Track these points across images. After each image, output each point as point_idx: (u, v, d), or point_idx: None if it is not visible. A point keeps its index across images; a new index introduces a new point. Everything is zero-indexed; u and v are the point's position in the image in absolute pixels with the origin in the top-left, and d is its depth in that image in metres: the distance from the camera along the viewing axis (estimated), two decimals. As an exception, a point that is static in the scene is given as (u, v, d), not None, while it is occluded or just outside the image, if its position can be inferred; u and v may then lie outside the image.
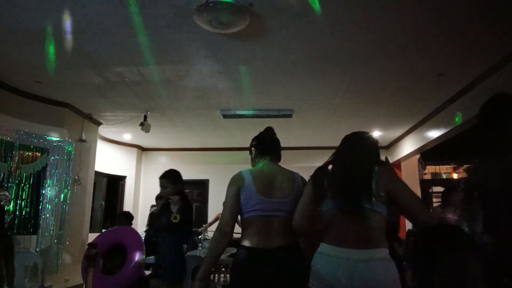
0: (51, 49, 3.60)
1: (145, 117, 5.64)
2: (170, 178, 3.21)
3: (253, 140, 2.29)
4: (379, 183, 1.64)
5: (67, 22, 3.11)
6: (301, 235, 1.83)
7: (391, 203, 1.64)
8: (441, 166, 8.55)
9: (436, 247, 1.65)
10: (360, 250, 1.55)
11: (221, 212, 2.10)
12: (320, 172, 1.84)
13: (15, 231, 4.66)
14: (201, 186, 8.37)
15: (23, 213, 4.79)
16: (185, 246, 4.61)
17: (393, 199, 1.64)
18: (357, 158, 1.74)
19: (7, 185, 4.57)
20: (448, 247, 1.62)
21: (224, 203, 1.97)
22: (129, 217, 5.30)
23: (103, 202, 7.32)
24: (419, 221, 1.66)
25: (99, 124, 6.26)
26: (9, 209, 4.50)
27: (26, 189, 4.83)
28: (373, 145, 1.88)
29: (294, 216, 1.82)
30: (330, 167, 1.83)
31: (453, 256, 1.60)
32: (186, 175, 8.75)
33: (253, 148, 2.23)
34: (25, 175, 4.81)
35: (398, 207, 1.66)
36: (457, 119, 4.32)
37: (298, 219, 1.81)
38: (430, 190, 7.08)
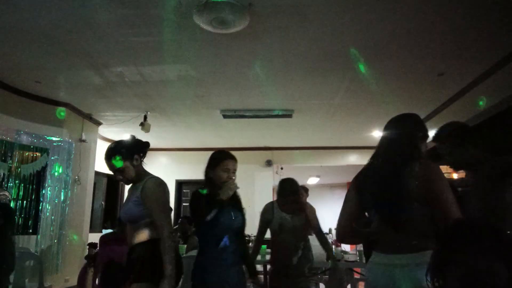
0: (51, 49, 3.60)
1: (145, 117, 5.64)
2: None
3: None
4: (419, 184, 1.51)
5: (67, 22, 3.11)
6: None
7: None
8: (441, 166, 8.54)
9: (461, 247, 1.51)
10: (402, 255, 1.49)
11: None
12: (362, 175, 1.70)
13: (15, 231, 4.66)
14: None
15: (23, 213, 4.79)
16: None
17: (429, 202, 1.51)
18: (389, 156, 1.61)
19: (7, 185, 4.57)
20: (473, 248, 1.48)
21: None
22: None
23: (103, 202, 7.32)
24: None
25: (99, 124, 6.26)
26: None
27: (26, 189, 4.83)
28: (411, 133, 1.69)
29: (338, 229, 1.74)
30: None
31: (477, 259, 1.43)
32: (186, 175, 8.72)
33: None
34: (25, 175, 4.81)
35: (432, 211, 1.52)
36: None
37: (342, 230, 1.72)
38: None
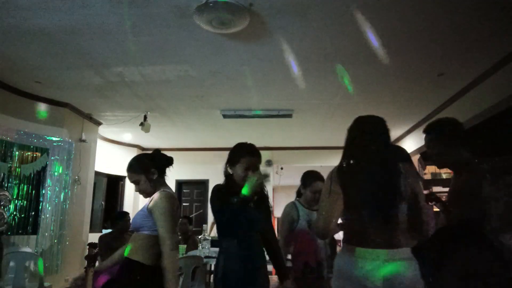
0: (51, 49, 3.60)
1: (145, 117, 5.65)
2: None
3: None
4: (405, 183, 1.62)
5: (67, 22, 3.11)
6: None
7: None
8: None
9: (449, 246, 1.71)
10: (389, 250, 1.57)
11: None
12: (347, 172, 1.71)
13: (15, 231, 4.66)
14: (201, 186, 8.37)
15: (23, 213, 4.79)
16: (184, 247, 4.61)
17: (412, 199, 1.63)
18: (378, 155, 1.68)
19: (7, 185, 4.57)
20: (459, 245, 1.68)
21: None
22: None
23: (103, 202, 7.33)
24: (422, 230, 1.66)
25: (99, 124, 6.26)
26: (9, 208, 4.50)
27: (26, 189, 4.83)
28: (388, 131, 1.77)
29: (323, 224, 1.72)
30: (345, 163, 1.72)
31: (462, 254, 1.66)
32: (186, 175, 8.71)
33: None
34: (25, 175, 4.81)
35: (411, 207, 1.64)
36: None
37: (324, 226, 1.72)
38: (430, 190, 7.08)
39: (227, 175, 2.08)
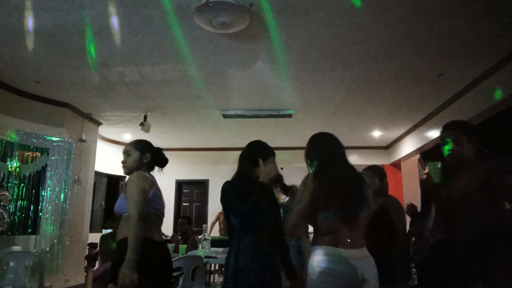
0: (51, 49, 3.60)
1: (145, 117, 5.64)
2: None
3: None
4: (368, 190, 1.89)
5: (67, 22, 3.11)
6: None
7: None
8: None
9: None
10: (357, 250, 1.77)
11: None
12: (324, 178, 1.87)
13: (15, 231, 4.66)
14: (201, 186, 8.37)
15: (23, 213, 4.79)
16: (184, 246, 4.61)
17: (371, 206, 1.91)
18: (350, 165, 1.95)
19: (7, 185, 4.56)
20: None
21: None
22: None
23: (103, 202, 7.33)
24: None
25: (99, 124, 6.26)
26: (9, 208, 4.50)
27: (26, 189, 4.83)
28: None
29: (294, 220, 1.88)
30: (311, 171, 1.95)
31: None
32: (186, 175, 8.71)
33: None
34: (25, 175, 4.81)
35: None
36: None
37: (298, 223, 1.90)
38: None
39: (245, 172, 2.08)
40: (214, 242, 4.79)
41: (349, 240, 1.75)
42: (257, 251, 1.92)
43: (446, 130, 2.13)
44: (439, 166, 2.05)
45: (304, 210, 1.83)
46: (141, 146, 2.26)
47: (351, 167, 1.94)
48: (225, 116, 5.66)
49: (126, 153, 2.24)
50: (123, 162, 2.24)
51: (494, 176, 1.92)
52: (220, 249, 4.51)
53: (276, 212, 2.11)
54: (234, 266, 1.91)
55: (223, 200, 2.02)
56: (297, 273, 2.26)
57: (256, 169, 2.02)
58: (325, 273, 1.72)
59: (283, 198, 3.28)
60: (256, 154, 2.10)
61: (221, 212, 6.50)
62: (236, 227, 1.98)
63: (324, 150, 2.02)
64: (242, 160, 2.14)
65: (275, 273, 1.99)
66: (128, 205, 2.03)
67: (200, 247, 4.76)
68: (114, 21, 3.08)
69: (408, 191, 7.23)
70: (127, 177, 2.23)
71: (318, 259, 1.77)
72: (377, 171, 3.02)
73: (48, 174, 5.04)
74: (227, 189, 2.01)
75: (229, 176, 2.08)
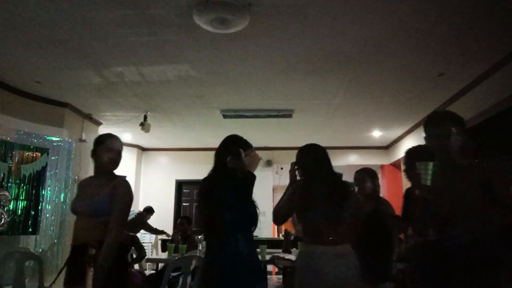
0: (51, 49, 3.59)
1: (145, 117, 5.64)
2: None
3: None
4: (351, 196, 2.23)
5: (67, 22, 3.11)
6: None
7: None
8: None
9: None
10: (337, 246, 2.05)
11: None
12: (308, 184, 2.20)
13: (15, 231, 4.66)
14: (201, 186, 8.35)
15: (23, 213, 4.79)
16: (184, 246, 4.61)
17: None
18: (335, 174, 2.26)
19: (7, 185, 4.56)
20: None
21: None
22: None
23: (103, 202, 7.31)
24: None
25: (99, 124, 6.26)
26: (9, 208, 4.50)
27: (26, 189, 4.83)
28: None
29: (280, 212, 2.18)
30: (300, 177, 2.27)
31: None
32: (186, 175, 8.68)
33: None
34: (25, 175, 4.81)
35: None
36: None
37: (283, 216, 2.19)
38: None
39: (229, 167, 2.01)
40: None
41: (330, 238, 2.03)
42: (241, 251, 1.85)
43: (430, 122, 1.99)
44: (431, 166, 1.89)
45: (292, 207, 2.17)
46: None
47: (335, 176, 2.26)
48: (225, 116, 5.66)
49: (120, 154, 2.26)
50: (116, 162, 2.23)
51: (492, 176, 1.80)
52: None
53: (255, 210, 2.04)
54: (218, 267, 1.83)
55: (208, 196, 1.96)
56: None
57: (236, 162, 1.97)
58: (306, 266, 2.02)
59: None
60: (234, 146, 2.08)
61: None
62: (221, 225, 1.87)
63: (311, 162, 2.27)
64: (220, 155, 2.11)
65: (260, 273, 1.97)
66: (116, 214, 2.04)
67: (200, 247, 4.77)
68: (114, 21, 3.08)
69: (408, 191, 7.22)
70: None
71: (299, 254, 2.13)
72: (369, 173, 3.12)
73: (48, 174, 5.04)
74: (213, 185, 1.94)
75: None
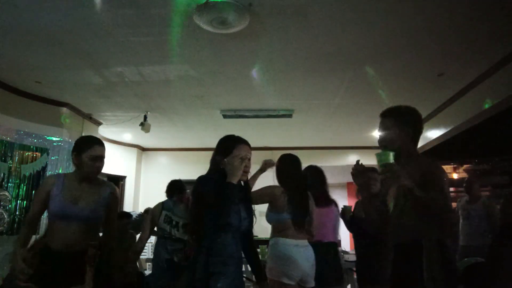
0: (51, 49, 3.59)
1: (145, 117, 5.64)
2: None
3: None
4: (311, 202, 2.82)
5: (67, 22, 3.11)
6: None
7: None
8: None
9: None
10: (301, 240, 2.62)
11: None
12: (288, 188, 2.66)
13: (15, 231, 4.65)
14: (201, 186, 8.35)
15: (23, 213, 4.78)
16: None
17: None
18: (305, 183, 2.86)
19: (7, 185, 4.56)
20: None
21: None
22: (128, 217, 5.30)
23: (103, 202, 7.31)
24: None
25: (99, 124, 6.26)
26: (10, 208, 4.50)
27: (26, 189, 4.82)
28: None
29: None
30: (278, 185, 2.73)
31: None
32: (186, 175, 8.74)
33: None
34: (25, 175, 4.81)
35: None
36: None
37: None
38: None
39: (219, 167, 1.98)
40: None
41: (298, 234, 2.58)
42: (230, 254, 1.85)
43: (380, 117, 2.09)
44: (391, 154, 1.84)
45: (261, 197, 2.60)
46: None
47: (304, 186, 2.79)
48: (225, 116, 5.66)
49: (103, 157, 2.22)
50: (101, 168, 2.21)
51: (426, 173, 1.78)
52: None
53: (249, 213, 2.02)
54: (205, 269, 1.80)
55: (199, 195, 1.94)
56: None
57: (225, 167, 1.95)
58: (281, 255, 2.52)
59: None
60: (218, 154, 2.04)
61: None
62: (209, 226, 1.86)
63: (289, 172, 2.76)
64: (212, 157, 2.09)
65: (242, 277, 1.97)
66: (112, 218, 2.25)
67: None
68: (114, 21, 3.08)
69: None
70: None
71: (276, 246, 2.56)
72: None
73: (48, 174, 5.03)
74: (204, 184, 1.92)
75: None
